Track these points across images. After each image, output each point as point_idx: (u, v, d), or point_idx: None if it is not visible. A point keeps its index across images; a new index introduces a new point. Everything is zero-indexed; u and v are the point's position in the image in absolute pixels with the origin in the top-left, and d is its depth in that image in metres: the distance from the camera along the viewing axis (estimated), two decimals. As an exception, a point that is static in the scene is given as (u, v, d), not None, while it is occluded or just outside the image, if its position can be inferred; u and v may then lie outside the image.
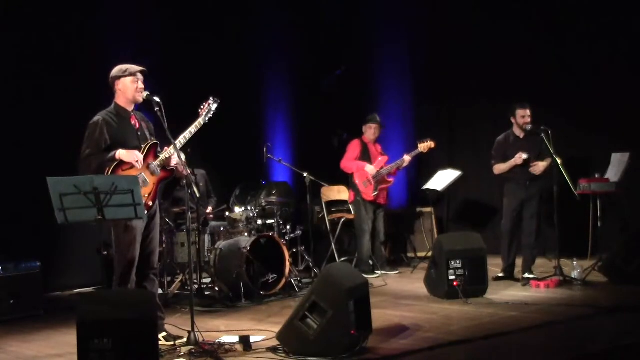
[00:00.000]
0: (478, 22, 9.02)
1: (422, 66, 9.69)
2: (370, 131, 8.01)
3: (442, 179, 8.25)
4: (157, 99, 4.79)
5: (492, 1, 8.90)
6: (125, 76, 4.89)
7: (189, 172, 5.02)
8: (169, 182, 5.31)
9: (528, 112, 6.88)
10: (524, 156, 6.81)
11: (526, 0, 8.64)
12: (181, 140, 4.95)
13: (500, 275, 7.01)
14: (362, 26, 9.97)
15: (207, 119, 5.11)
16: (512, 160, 6.89)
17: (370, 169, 7.85)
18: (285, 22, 9.79)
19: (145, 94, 4.87)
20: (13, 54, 7.17)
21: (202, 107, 5.14)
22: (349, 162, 7.98)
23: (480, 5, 8.98)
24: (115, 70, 4.92)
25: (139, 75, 4.91)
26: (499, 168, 7.06)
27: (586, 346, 4.54)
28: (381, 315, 5.43)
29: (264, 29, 9.56)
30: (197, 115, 5.10)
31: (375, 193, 7.84)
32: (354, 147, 8.03)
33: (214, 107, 5.13)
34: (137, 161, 4.74)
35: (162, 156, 4.92)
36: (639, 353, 4.42)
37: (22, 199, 6.87)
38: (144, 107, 5.01)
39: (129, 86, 4.89)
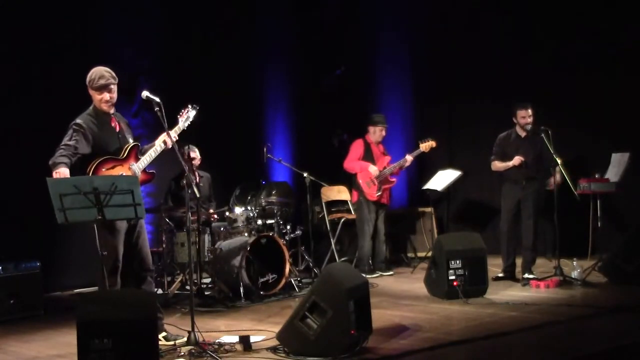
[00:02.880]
0: (478, 22, 9.02)
1: (423, 66, 9.69)
2: (378, 132, 7.98)
3: (442, 179, 8.25)
4: (157, 99, 4.78)
5: (492, 1, 8.90)
6: (91, 88, 4.83)
7: (189, 168, 5.01)
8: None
9: (529, 112, 6.89)
10: (521, 160, 6.84)
11: (526, 0, 8.65)
12: (161, 144, 4.91)
13: (501, 275, 7.01)
14: (362, 26, 9.97)
15: (186, 124, 5.13)
16: (510, 161, 6.92)
17: (374, 169, 7.83)
18: (285, 22, 9.79)
19: (145, 94, 4.84)
20: (13, 53, 7.17)
21: (180, 113, 5.16)
22: (352, 162, 7.96)
23: (481, 5, 8.98)
24: (87, 76, 4.83)
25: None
26: (496, 165, 7.11)
27: (586, 346, 4.54)
28: (381, 315, 5.43)
29: (264, 29, 9.57)
30: (176, 121, 5.11)
31: (379, 193, 7.83)
32: (357, 147, 8.01)
33: (192, 114, 5.17)
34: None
35: (145, 158, 4.89)
36: (639, 353, 4.42)
37: (22, 199, 6.87)
38: (144, 106, 5.01)
39: (96, 98, 4.85)
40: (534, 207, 6.92)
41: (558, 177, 6.81)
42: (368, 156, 7.97)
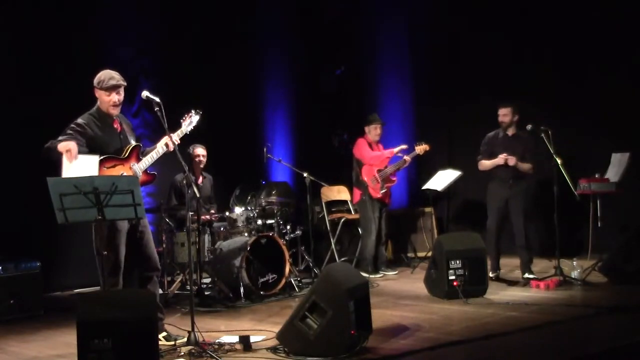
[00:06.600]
0: (478, 22, 9.01)
1: (422, 66, 9.69)
2: (375, 132, 7.96)
3: (442, 179, 8.25)
4: (157, 99, 4.79)
5: (492, 1, 8.90)
6: (100, 89, 4.85)
7: (189, 168, 5.02)
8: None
9: (504, 110, 6.94)
10: (510, 162, 6.82)
11: (526, 0, 8.65)
12: (163, 147, 4.93)
13: (491, 275, 6.93)
14: (362, 26, 9.97)
15: (189, 129, 5.15)
16: (496, 159, 6.91)
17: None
18: (285, 22, 9.79)
19: (145, 94, 4.86)
20: (13, 53, 7.17)
21: (183, 117, 5.17)
22: (372, 153, 7.89)
23: (481, 5, 8.98)
24: (95, 78, 4.87)
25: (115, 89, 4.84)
26: (483, 164, 7.10)
27: (586, 346, 4.54)
28: (381, 315, 5.43)
29: (264, 29, 9.57)
30: (179, 125, 5.12)
31: (383, 190, 7.84)
32: (364, 143, 7.97)
33: (195, 119, 5.18)
34: (67, 151, 4.52)
35: (146, 161, 4.90)
36: (639, 353, 4.43)
37: (22, 199, 6.87)
38: (144, 106, 5.02)
39: (104, 99, 4.86)
40: (523, 205, 6.90)
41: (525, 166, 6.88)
42: None
